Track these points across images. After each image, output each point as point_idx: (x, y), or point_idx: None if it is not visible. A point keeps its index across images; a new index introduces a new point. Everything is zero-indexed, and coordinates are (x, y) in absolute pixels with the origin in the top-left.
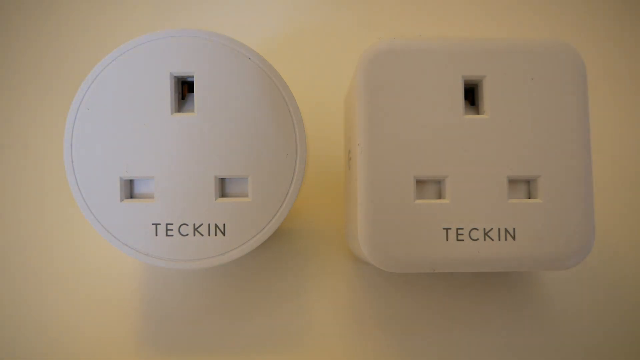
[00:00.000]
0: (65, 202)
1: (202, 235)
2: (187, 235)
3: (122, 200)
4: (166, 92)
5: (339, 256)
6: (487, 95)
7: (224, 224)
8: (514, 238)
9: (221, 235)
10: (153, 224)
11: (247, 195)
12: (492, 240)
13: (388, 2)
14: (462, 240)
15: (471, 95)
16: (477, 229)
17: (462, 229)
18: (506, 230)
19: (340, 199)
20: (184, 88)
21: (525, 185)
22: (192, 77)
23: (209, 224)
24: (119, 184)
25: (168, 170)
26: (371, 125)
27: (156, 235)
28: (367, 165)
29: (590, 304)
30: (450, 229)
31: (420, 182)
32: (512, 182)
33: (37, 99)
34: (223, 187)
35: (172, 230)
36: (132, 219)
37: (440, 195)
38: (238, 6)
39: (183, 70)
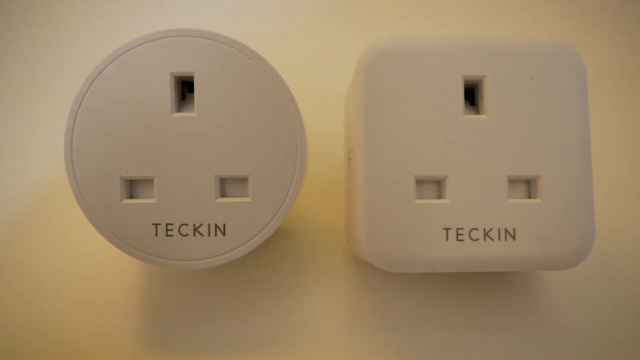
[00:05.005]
0: (65, 202)
1: (202, 235)
2: (187, 235)
3: (122, 200)
4: (166, 92)
5: (339, 256)
6: (487, 95)
7: (224, 224)
8: (514, 238)
9: (221, 235)
10: (153, 224)
11: (247, 195)
12: (492, 240)
13: (388, 2)
14: (462, 240)
15: (471, 95)
16: (477, 229)
17: (462, 229)
18: (506, 230)
19: (340, 199)
20: (184, 88)
21: (525, 185)
22: (192, 77)
23: (209, 224)
24: (119, 184)
25: (168, 170)
26: (371, 125)
27: (156, 235)
28: (367, 165)
29: (590, 304)
30: (450, 229)
31: (420, 182)
32: (512, 182)
33: (37, 99)
34: (223, 187)
35: (172, 230)
36: (132, 219)
37: (440, 195)
38: (238, 6)
39: (183, 70)
